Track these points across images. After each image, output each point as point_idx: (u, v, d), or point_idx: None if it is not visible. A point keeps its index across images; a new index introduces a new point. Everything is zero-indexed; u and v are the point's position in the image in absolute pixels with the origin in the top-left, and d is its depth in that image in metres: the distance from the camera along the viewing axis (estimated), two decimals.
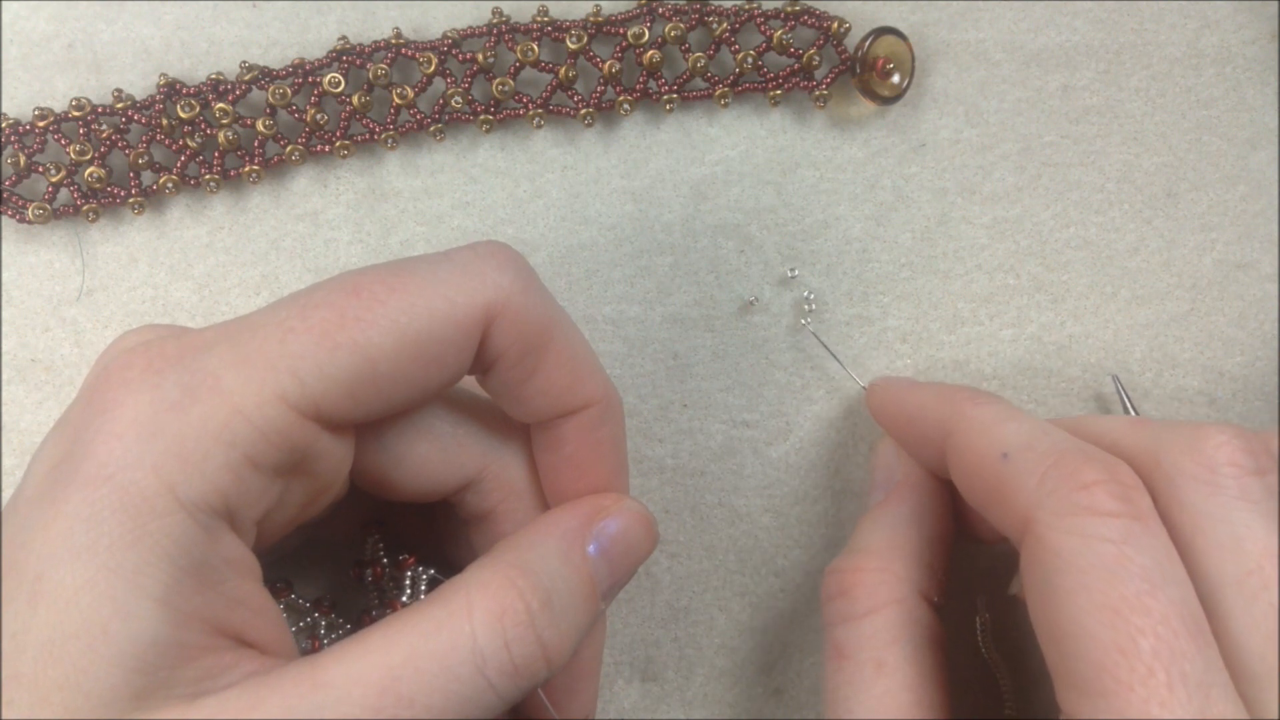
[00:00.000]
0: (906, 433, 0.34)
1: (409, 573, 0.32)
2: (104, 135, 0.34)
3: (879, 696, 0.29)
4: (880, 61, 0.35)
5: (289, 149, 0.35)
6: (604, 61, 0.35)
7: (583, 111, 0.35)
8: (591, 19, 0.35)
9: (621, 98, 0.35)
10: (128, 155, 0.34)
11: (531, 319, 0.27)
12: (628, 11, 0.35)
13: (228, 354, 0.24)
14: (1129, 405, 0.36)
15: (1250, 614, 0.26)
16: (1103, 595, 0.24)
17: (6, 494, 0.35)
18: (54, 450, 0.24)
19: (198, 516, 0.23)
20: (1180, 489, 0.27)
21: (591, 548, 0.28)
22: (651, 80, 0.35)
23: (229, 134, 0.34)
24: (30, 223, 0.34)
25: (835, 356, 0.36)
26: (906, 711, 0.29)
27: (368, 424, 0.27)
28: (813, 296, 0.36)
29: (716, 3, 0.35)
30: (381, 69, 0.34)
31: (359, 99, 0.34)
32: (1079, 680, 0.24)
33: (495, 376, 0.28)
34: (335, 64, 0.34)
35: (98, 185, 0.34)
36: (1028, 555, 0.26)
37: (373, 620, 0.33)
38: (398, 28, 0.35)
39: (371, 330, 0.24)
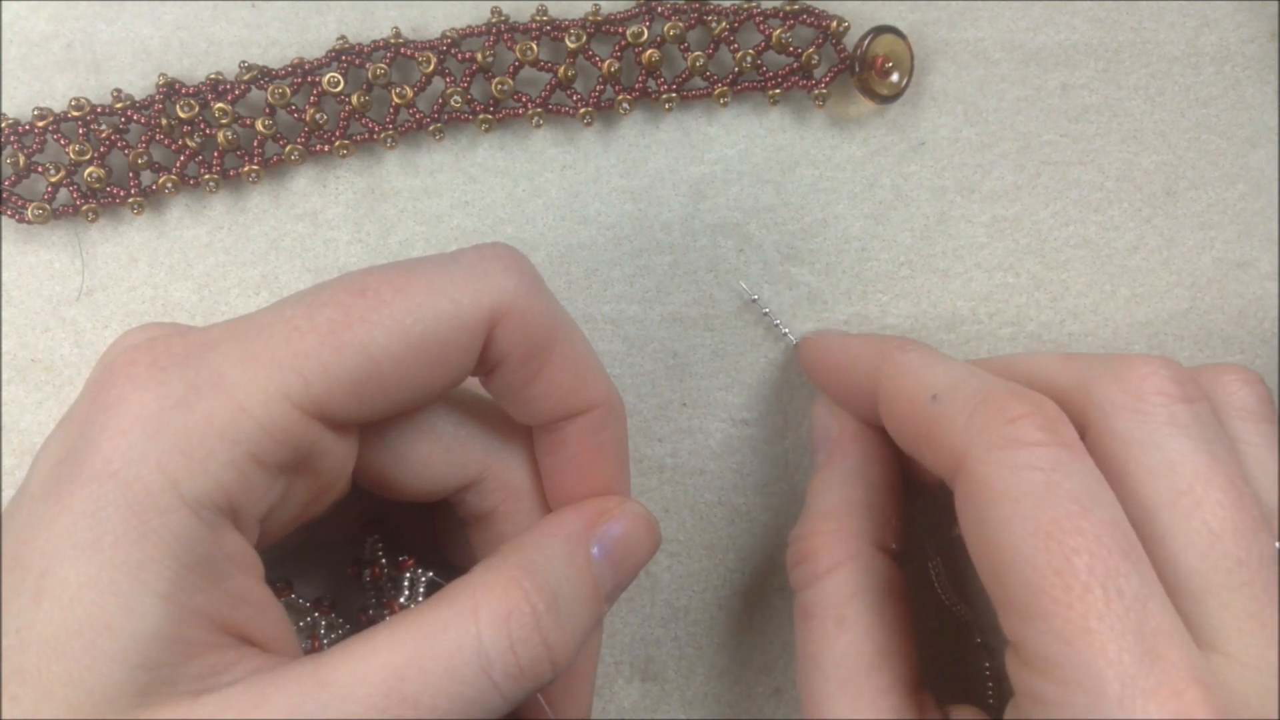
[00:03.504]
0: (839, 385, 0.34)
1: (407, 574, 0.32)
2: (103, 135, 0.34)
3: (842, 650, 0.30)
4: (879, 60, 0.35)
5: (288, 149, 0.35)
6: (603, 61, 0.35)
7: (582, 111, 0.35)
8: (591, 18, 0.35)
9: (621, 97, 0.35)
10: (127, 155, 0.34)
11: (536, 322, 0.27)
12: (627, 11, 0.35)
13: (233, 352, 0.24)
14: None
15: (1185, 533, 0.26)
16: (1035, 521, 0.25)
17: (7, 494, 0.35)
18: (59, 446, 0.24)
19: (201, 513, 0.23)
20: (1110, 418, 0.28)
21: (595, 550, 0.28)
22: (651, 79, 0.35)
23: (228, 134, 0.34)
24: (30, 223, 0.34)
25: (766, 311, 0.36)
26: (870, 661, 0.30)
27: (371, 423, 0.27)
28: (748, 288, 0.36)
29: (716, 2, 0.35)
30: (381, 69, 0.34)
31: (358, 99, 0.34)
32: (1019, 605, 0.25)
33: (499, 378, 0.28)
34: (334, 64, 0.34)
35: (97, 185, 0.34)
36: (961, 492, 0.27)
37: (369, 620, 0.33)
38: (397, 27, 0.35)
39: (377, 331, 0.24)
